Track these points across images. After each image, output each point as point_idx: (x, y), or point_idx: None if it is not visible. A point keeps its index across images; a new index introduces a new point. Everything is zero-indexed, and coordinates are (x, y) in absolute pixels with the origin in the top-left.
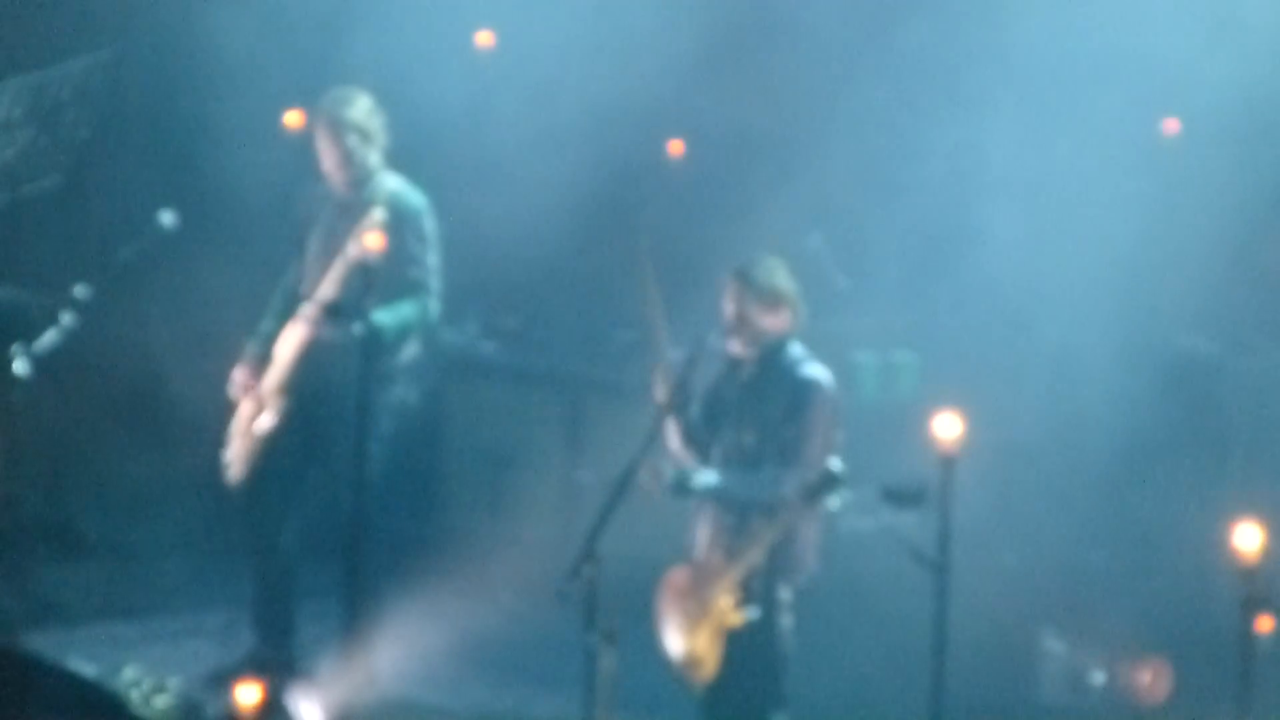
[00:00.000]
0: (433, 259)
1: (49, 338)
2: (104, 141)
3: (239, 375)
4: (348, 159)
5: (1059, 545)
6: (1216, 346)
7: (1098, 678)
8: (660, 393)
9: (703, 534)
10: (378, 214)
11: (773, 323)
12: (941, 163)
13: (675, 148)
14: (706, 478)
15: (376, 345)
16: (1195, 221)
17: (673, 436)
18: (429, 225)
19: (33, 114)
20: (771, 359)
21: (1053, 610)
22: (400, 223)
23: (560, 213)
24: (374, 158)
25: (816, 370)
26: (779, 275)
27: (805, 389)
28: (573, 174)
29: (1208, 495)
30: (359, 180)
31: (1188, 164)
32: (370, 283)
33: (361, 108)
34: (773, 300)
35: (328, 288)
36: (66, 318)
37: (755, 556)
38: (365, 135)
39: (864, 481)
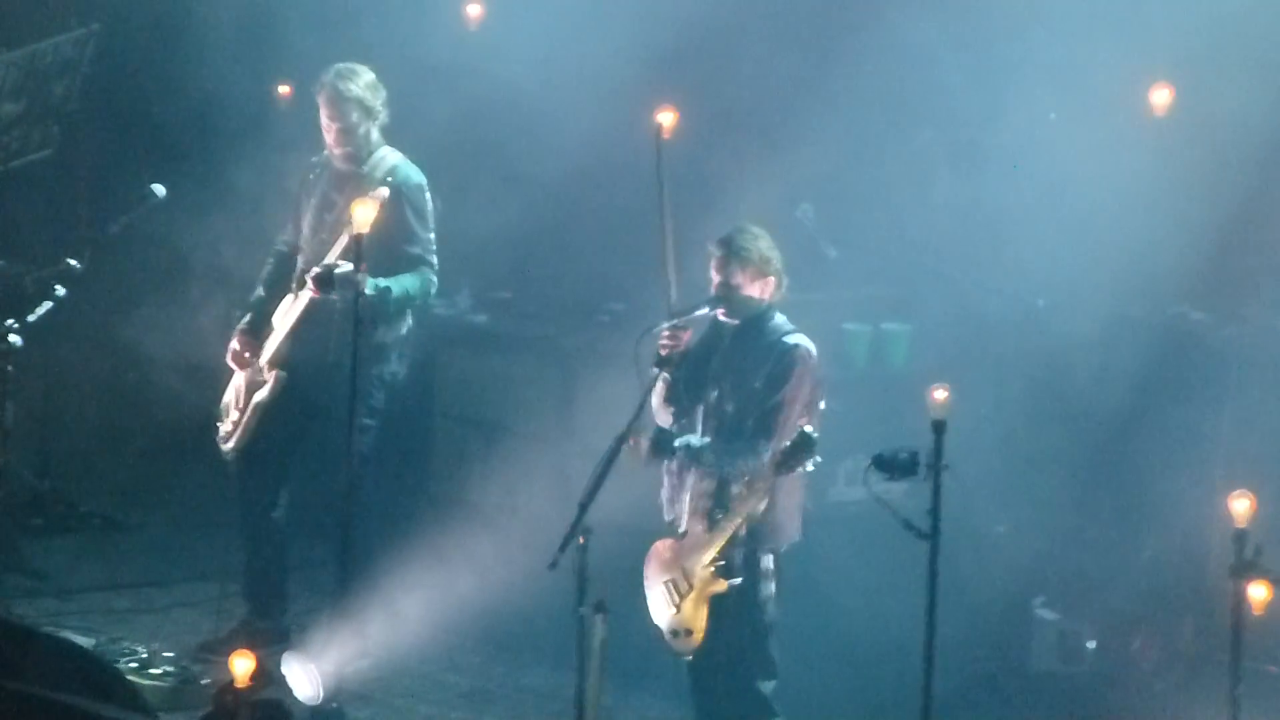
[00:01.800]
0: (431, 235)
1: (41, 310)
2: (93, 114)
3: (234, 345)
4: (349, 134)
5: (1050, 514)
6: (1207, 314)
7: (1090, 646)
8: (663, 343)
9: (684, 504)
10: (382, 192)
11: (757, 290)
12: (931, 132)
13: (666, 119)
14: (686, 441)
15: (379, 310)
16: (1187, 190)
17: (658, 393)
18: (427, 201)
19: (22, 87)
20: (754, 327)
21: (1044, 579)
22: (400, 199)
23: (551, 184)
24: (375, 133)
25: (798, 339)
26: (763, 243)
27: (786, 357)
28: (563, 146)
29: (1199, 463)
30: (359, 155)
31: (1181, 131)
32: (360, 254)
33: (363, 82)
34: (758, 268)
35: (327, 260)
36: (59, 289)
37: (734, 526)
38: (367, 110)
39: (855, 452)
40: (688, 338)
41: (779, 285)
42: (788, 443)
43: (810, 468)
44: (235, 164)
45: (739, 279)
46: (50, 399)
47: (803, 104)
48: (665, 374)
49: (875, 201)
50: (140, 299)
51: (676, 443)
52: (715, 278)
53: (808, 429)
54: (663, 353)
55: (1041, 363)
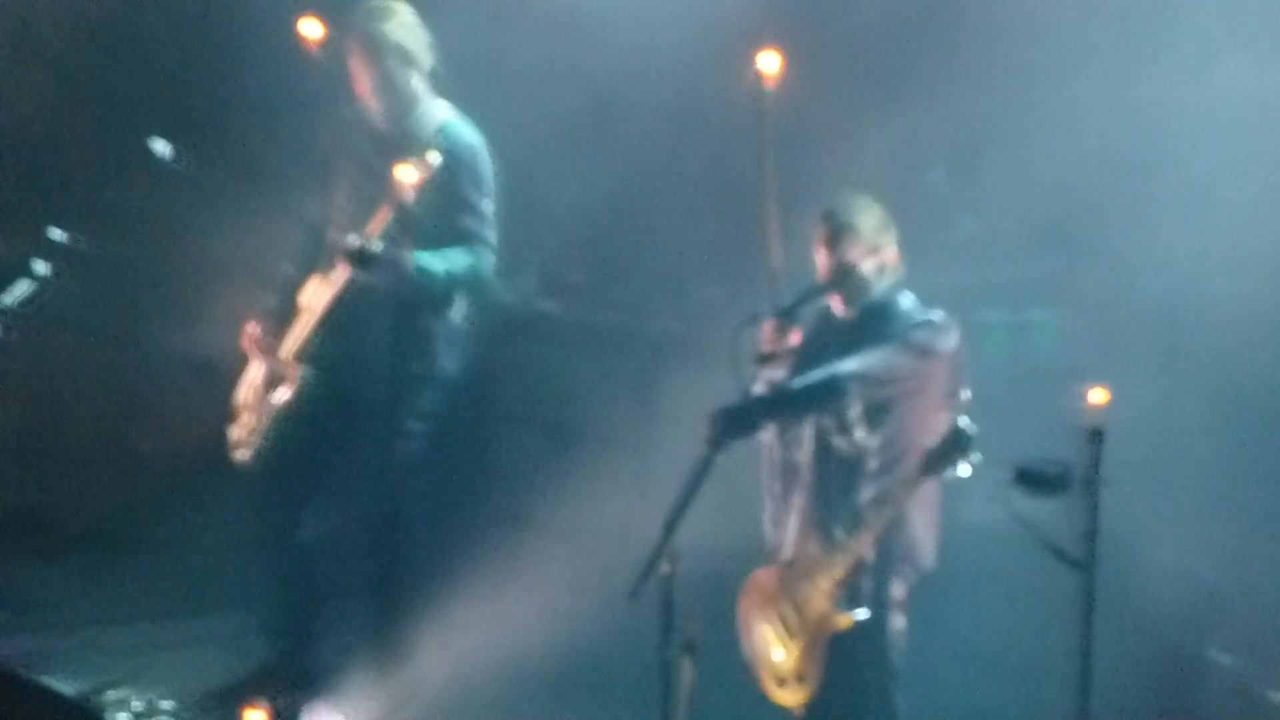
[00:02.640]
0: (488, 205)
1: (19, 290)
2: (90, 63)
3: (253, 331)
4: (386, 84)
5: (1225, 541)
6: None
7: (1275, 697)
8: (765, 343)
9: (790, 524)
10: (433, 157)
11: (876, 268)
12: (1092, 88)
13: (769, 63)
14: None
15: (420, 293)
16: None
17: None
18: (484, 165)
19: (7, 33)
20: (880, 314)
21: (1220, 616)
22: (452, 162)
23: (631, 146)
24: (417, 83)
25: (935, 314)
26: (876, 212)
27: (916, 326)
28: (647, 98)
29: None
30: (400, 110)
31: None
32: (405, 227)
33: (402, 23)
34: (874, 241)
35: (365, 233)
36: (40, 266)
37: (863, 546)
38: (407, 56)
39: (993, 462)
40: (797, 338)
41: (899, 261)
42: (937, 438)
43: (968, 470)
44: (255, 121)
45: (853, 255)
46: (38, 401)
47: (934, 51)
48: (768, 375)
49: (1019, 167)
50: (145, 284)
51: (750, 402)
52: (824, 259)
53: (962, 422)
54: (765, 350)
55: (1219, 356)
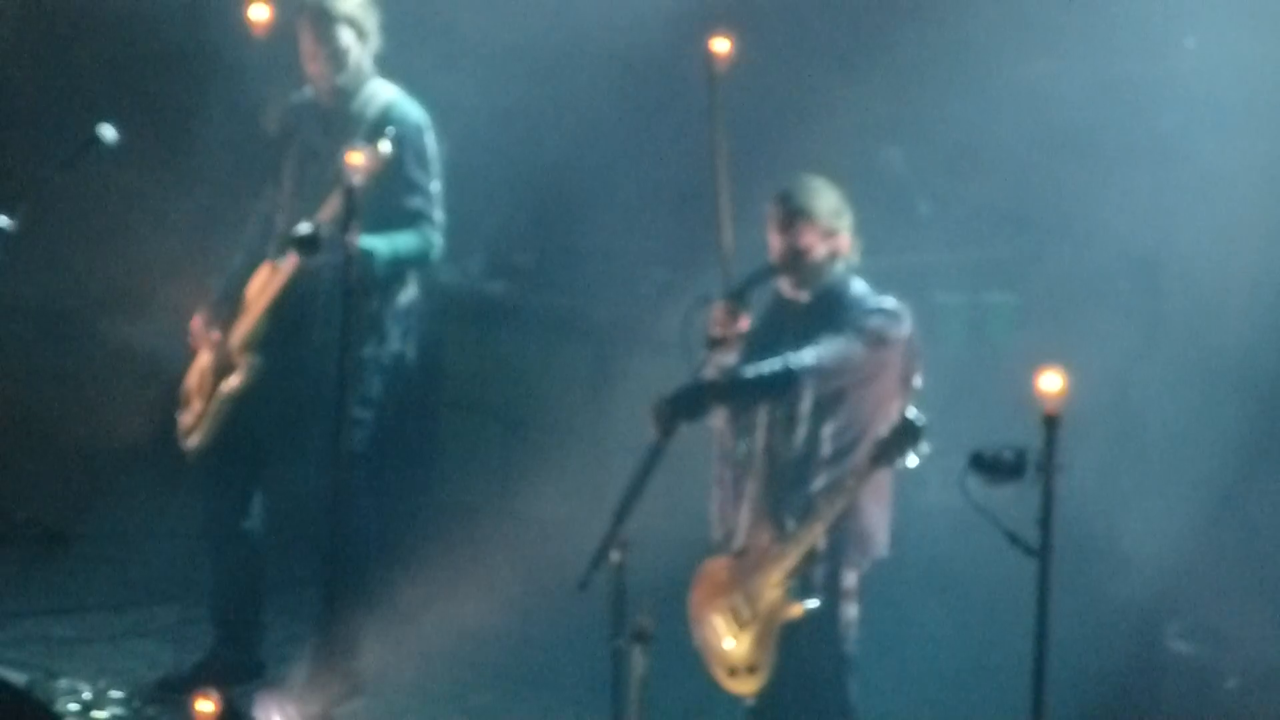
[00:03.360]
0: (435, 185)
1: None
2: (29, 39)
3: (200, 321)
4: (339, 59)
5: (1185, 528)
6: None
7: (1231, 684)
8: (715, 326)
9: (742, 513)
10: (383, 147)
11: (831, 251)
12: (1051, 66)
13: (721, 46)
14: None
15: (365, 276)
16: None
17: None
18: (431, 145)
19: None
20: (832, 300)
21: (1180, 602)
22: (398, 142)
23: (583, 125)
24: (367, 61)
25: (887, 301)
26: (832, 195)
27: (869, 314)
28: (597, 78)
29: None
30: (348, 87)
31: None
32: (353, 210)
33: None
34: (829, 225)
35: (315, 219)
36: None
37: (815, 536)
38: (359, 32)
39: (949, 448)
40: (745, 322)
41: (852, 246)
42: (888, 428)
43: (915, 461)
44: (201, 104)
45: (807, 240)
46: None
47: (891, 30)
48: (718, 359)
49: (978, 146)
50: (85, 266)
51: (702, 384)
52: (777, 242)
53: (911, 413)
54: (715, 334)
55: (1179, 346)
